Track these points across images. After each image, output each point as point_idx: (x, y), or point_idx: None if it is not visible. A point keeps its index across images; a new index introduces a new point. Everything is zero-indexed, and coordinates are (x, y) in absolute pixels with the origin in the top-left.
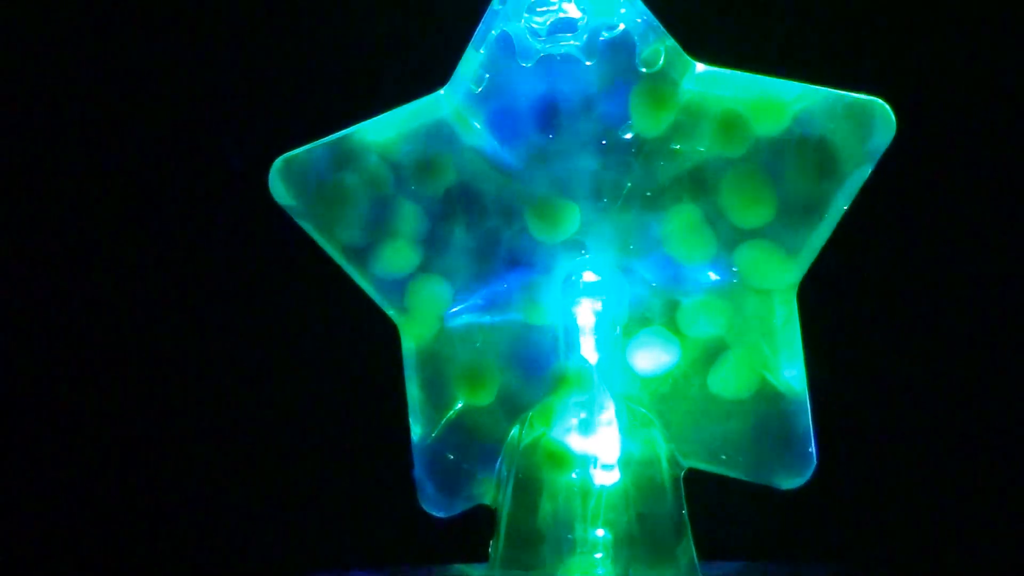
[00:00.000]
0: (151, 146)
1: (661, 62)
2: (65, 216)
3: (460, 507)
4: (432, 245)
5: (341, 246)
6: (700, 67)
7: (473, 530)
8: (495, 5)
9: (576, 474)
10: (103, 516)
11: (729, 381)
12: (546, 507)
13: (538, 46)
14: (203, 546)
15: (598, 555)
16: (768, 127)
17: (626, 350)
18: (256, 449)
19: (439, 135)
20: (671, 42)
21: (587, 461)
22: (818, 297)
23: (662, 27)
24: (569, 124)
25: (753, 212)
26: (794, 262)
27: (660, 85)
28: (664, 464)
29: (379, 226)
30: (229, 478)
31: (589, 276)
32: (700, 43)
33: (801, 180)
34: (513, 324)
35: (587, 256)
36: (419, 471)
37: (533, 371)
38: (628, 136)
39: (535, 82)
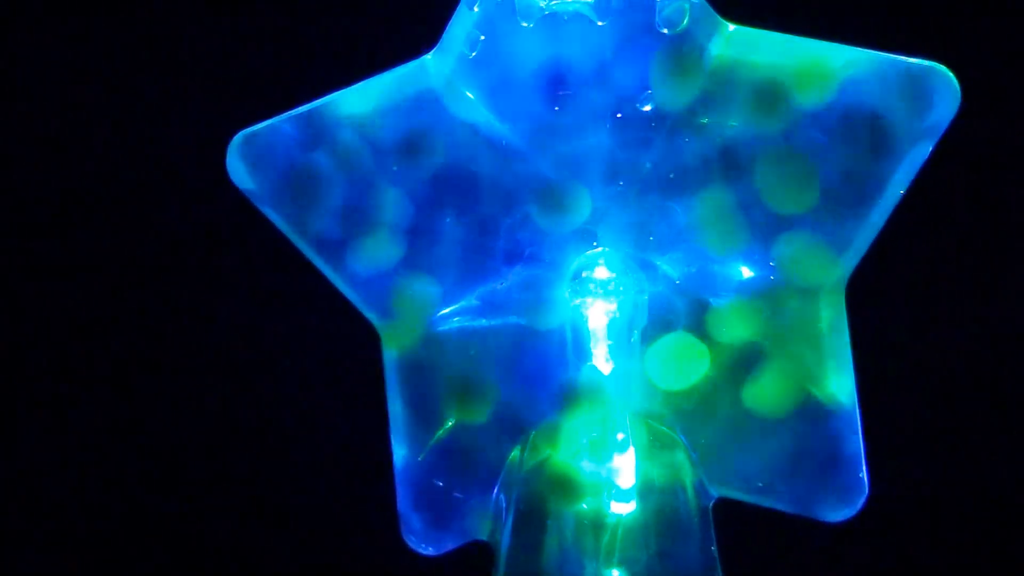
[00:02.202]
0: (89, 118)
1: (686, 21)
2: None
3: (451, 543)
4: (418, 237)
5: (312, 238)
6: (731, 27)
7: (467, 570)
8: None
9: (587, 504)
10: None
11: (766, 395)
12: (552, 543)
13: (542, 3)
14: None
15: None
16: (811, 98)
17: (645, 359)
18: (216, 478)
19: (426, 107)
20: None
21: (600, 489)
22: (870, 297)
23: None
24: (578, 94)
25: (794, 197)
26: (842, 256)
27: (685, 48)
28: (690, 492)
29: (356, 215)
30: (186, 512)
31: (602, 272)
32: None
33: (850, 160)
34: (513, 329)
35: (600, 248)
36: (403, 501)
37: (536, 384)
38: (647, 108)
39: (539, 45)
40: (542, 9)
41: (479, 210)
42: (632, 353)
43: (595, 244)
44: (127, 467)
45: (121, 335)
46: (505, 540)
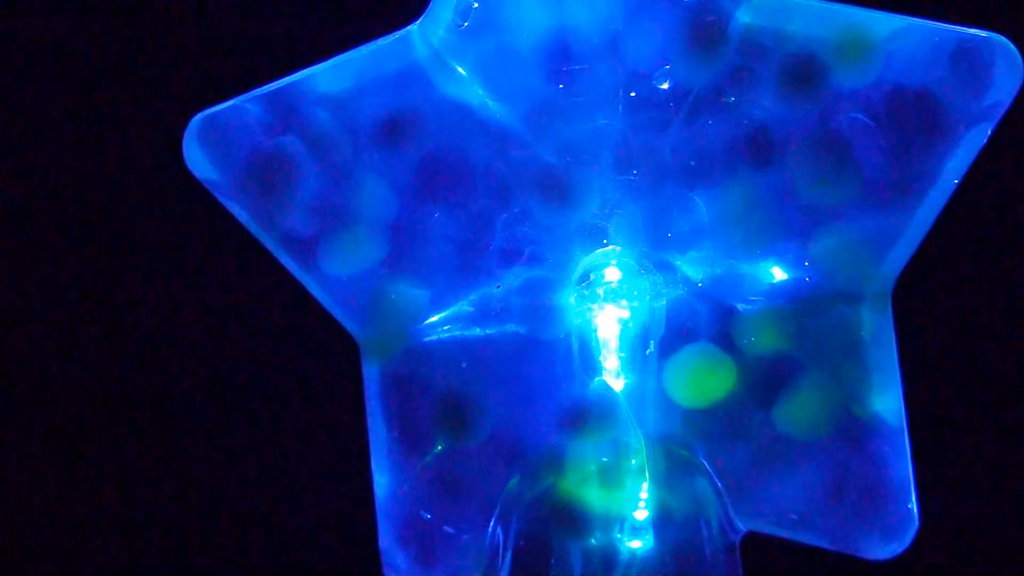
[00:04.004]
0: (28, 98)
1: None
2: None
3: None
4: (402, 233)
5: (281, 235)
6: None
7: None
8: None
9: (596, 539)
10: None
11: (801, 415)
12: None
13: None
14: None
15: None
16: (852, 74)
17: (663, 373)
18: (176, 516)
19: (411, 85)
20: None
21: (611, 522)
22: (920, 303)
23: None
24: (586, 70)
25: (832, 188)
26: (888, 256)
27: (708, 17)
28: (714, 526)
29: (331, 208)
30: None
31: (613, 274)
32: None
33: (896, 145)
34: (511, 339)
35: (610, 247)
36: (385, 536)
37: (538, 402)
38: (665, 86)
39: (541, 13)
40: None
41: (472, 203)
42: (648, 367)
43: (605, 242)
44: (80, 493)
45: (68, 340)
46: None
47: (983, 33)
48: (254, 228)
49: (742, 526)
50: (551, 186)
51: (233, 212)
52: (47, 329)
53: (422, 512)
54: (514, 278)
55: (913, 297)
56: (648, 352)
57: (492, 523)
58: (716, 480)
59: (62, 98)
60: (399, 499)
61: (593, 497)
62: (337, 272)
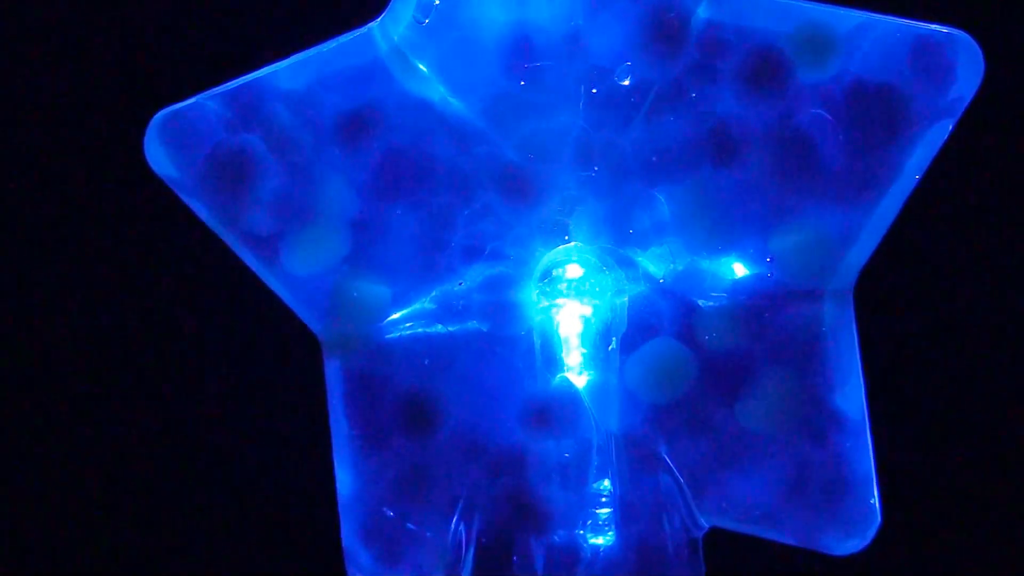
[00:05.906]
0: None
1: None
2: None
3: None
4: (363, 230)
5: (242, 232)
6: None
7: None
8: None
9: (559, 536)
10: None
11: (763, 410)
12: None
13: None
14: None
15: None
16: (813, 70)
17: (625, 369)
18: (137, 514)
19: (372, 82)
20: None
21: (574, 519)
22: (881, 299)
23: None
24: (547, 66)
25: (794, 184)
26: (849, 252)
27: (668, 12)
28: (677, 522)
29: (293, 205)
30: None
31: (574, 271)
32: None
33: (858, 141)
34: (473, 336)
35: (572, 243)
36: (348, 534)
37: (500, 398)
38: (626, 82)
39: (501, 10)
40: None
41: (433, 199)
42: (610, 363)
43: (566, 238)
44: (40, 494)
45: (29, 339)
46: None
47: (945, 29)
48: (215, 225)
49: (705, 522)
50: (512, 182)
51: (194, 209)
52: (9, 331)
53: (385, 509)
54: (476, 275)
55: (875, 293)
56: (610, 348)
57: (455, 520)
58: (679, 476)
59: (21, 95)
60: (362, 496)
61: (554, 495)
62: (298, 269)
